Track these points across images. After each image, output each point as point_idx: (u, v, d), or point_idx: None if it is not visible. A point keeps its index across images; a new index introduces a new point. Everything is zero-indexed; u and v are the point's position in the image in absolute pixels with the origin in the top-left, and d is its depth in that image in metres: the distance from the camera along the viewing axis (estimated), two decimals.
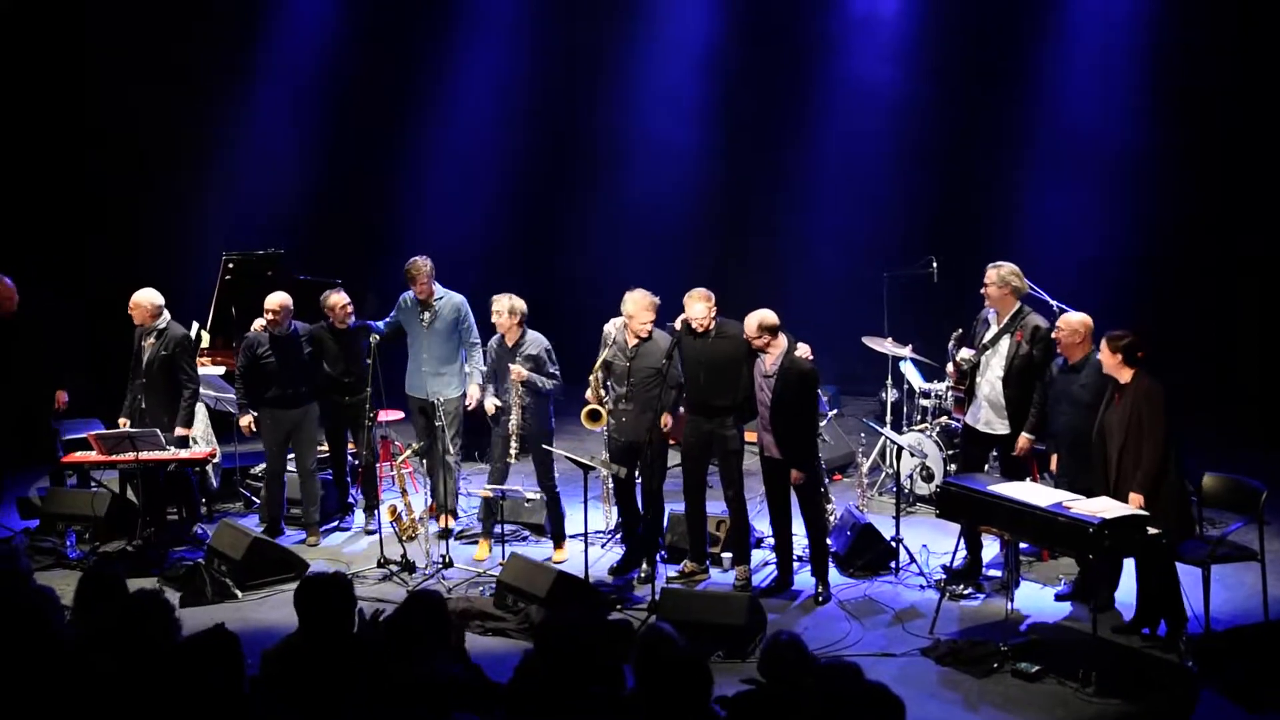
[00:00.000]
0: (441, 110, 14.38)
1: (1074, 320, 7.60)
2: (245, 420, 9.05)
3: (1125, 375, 7.04)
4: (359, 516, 9.56)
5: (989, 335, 8.02)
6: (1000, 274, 7.94)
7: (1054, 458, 7.74)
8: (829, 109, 13.61)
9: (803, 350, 7.85)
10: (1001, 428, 8.01)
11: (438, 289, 9.15)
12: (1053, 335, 7.66)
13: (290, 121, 14.05)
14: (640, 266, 11.13)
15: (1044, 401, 7.78)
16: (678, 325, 8.11)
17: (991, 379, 8.01)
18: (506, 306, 8.55)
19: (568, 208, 14.56)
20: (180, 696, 4.05)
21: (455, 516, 9.27)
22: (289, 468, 9.33)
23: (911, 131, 13.31)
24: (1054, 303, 9.80)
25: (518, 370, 8.43)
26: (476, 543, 8.99)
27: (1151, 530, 6.63)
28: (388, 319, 9.38)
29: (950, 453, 9.51)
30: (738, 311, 8.10)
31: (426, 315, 9.12)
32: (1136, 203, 12.60)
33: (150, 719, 4.03)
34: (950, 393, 8.85)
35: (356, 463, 9.50)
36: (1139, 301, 12.15)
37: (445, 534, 8.82)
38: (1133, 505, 6.76)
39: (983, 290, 8.04)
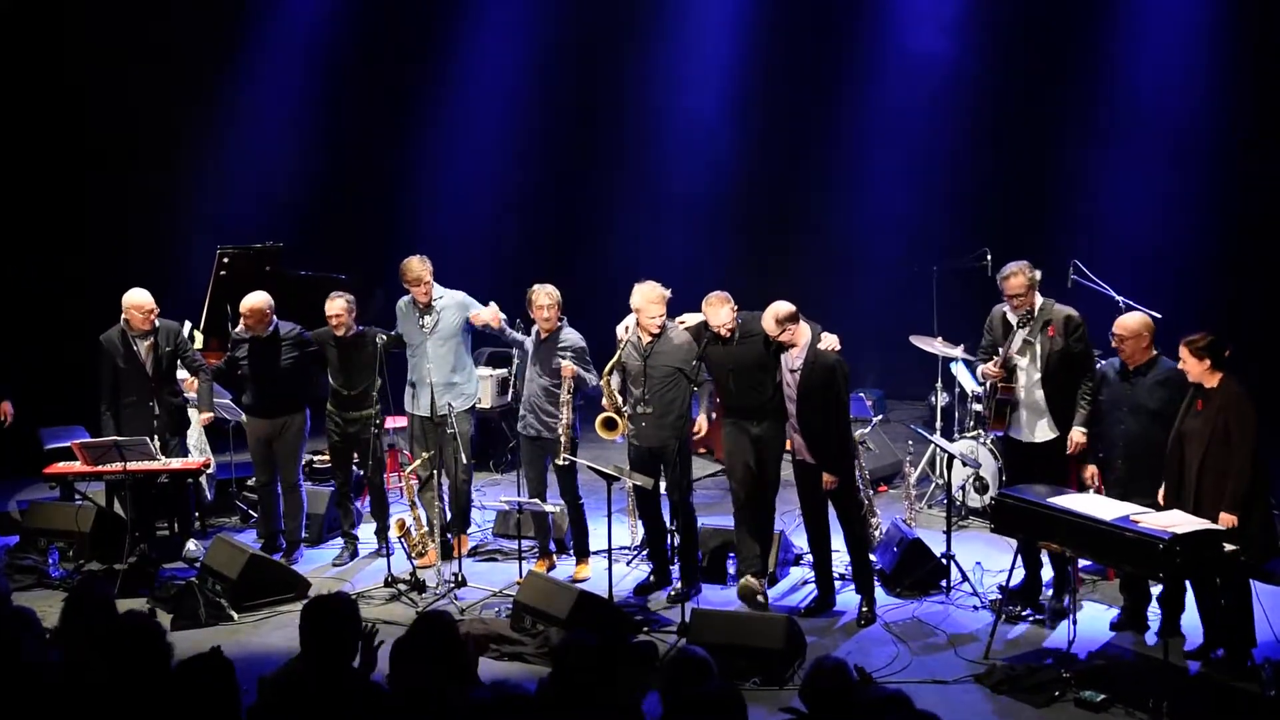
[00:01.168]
0: (455, 95, 14.44)
1: (1134, 323, 7.47)
2: (204, 416, 9.13)
3: (1212, 380, 6.96)
4: (349, 538, 9.40)
5: (1018, 336, 7.83)
6: (1029, 275, 7.76)
7: (1090, 471, 7.68)
8: (874, 90, 13.58)
9: (829, 341, 7.80)
10: (1046, 433, 7.86)
11: (437, 289, 8.92)
12: (1111, 339, 7.56)
13: (293, 105, 14.10)
14: (672, 262, 11.13)
15: (1095, 395, 7.67)
16: (689, 321, 8.13)
17: (1026, 383, 7.87)
18: (556, 299, 8.47)
19: (594, 199, 14.60)
20: None
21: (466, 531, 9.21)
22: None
23: (963, 113, 13.27)
24: (1119, 298, 9.75)
25: (569, 366, 8.39)
26: (494, 560, 9.02)
27: (1228, 546, 6.56)
28: (394, 331, 9.13)
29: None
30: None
31: (428, 320, 8.89)
32: (1207, 191, 12.48)
33: None
34: (986, 403, 8.38)
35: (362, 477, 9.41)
36: (1207, 297, 12.05)
37: (448, 554, 8.74)
38: (1223, 525, 6.70)
39: (1012, 295, 7.80)
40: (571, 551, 8.99)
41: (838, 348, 7.81)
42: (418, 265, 8.81)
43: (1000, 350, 7.91)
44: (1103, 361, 7.89)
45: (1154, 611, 7.63)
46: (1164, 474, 7.12)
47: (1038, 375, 7.81)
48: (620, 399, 8.30)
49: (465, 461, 8.93)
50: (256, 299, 8.95)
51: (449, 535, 8.97)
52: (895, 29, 13.43)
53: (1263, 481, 6.91)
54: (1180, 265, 12.19)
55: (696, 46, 13.95)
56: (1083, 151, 12.94)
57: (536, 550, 9.06)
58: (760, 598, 8.03)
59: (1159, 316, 9.75)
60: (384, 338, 8.92)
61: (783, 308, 7.76)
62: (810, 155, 13.97)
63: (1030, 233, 12.61)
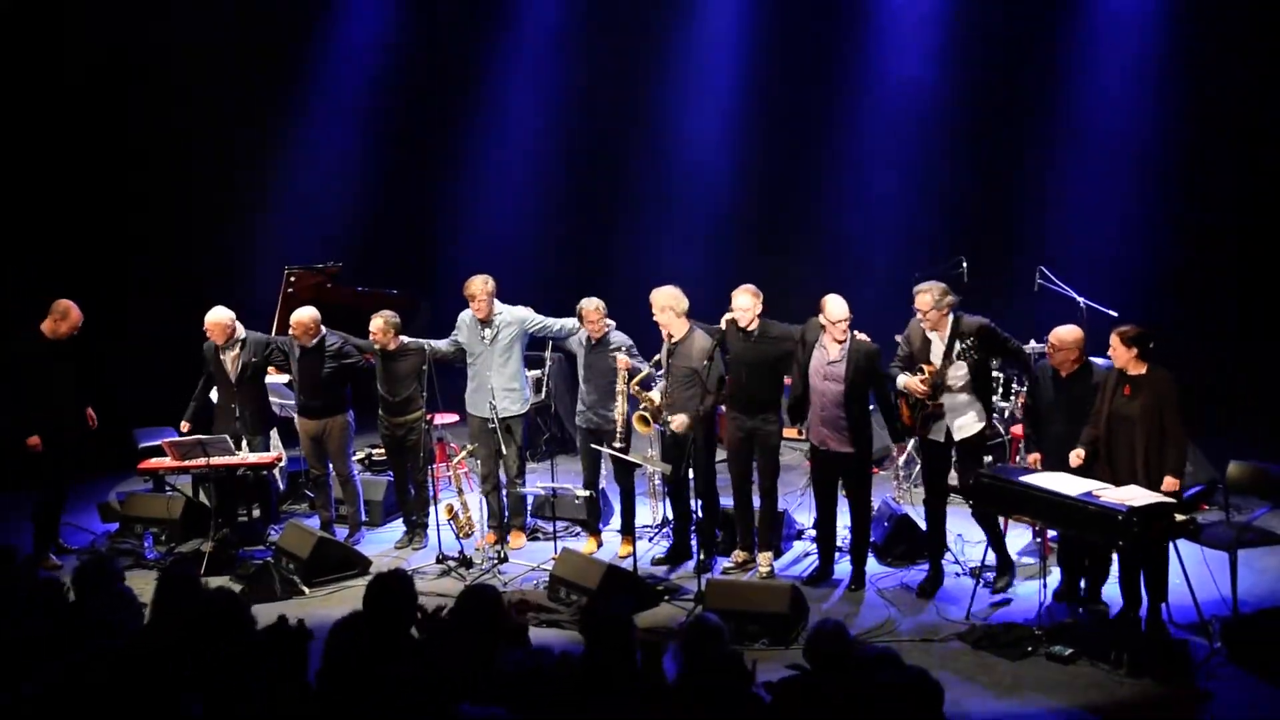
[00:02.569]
0: (492, 121, 14.41)
1: (1069, 336, 7.34)
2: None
3: (1140, 368, 6.99)
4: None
5: (938, 353, 7.65)
6: (935, 298, 7.61)
7: (1034, 457, 7.65)
8: (862, 113, 13.47)
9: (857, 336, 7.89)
10: (974, 426, 7.73)
11: (498, 305, 8.90)
12: (1045, 350, 7.51)
13: (346, 134, 14.14)
14: (678, 271, 11.10)
15: (1032, 379, 7.69)
16: (723, 324, 8.12)
17: (960, 386, 7.68)
18: (603, 309, 8.47)
19: (612, 215, 14.54)
20: (254, 684, 4.11)
21: (529, 535, 9.17)
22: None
23: (938, 128, 13.15)
24: (1080, 299, 9.75)
25: (624, 360, 8.37)
26: (535, 538, 9.09)
27: (1180, 516, 6.58)
28: (449, 338, 9.10)
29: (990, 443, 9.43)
30: (776, 314, 8.13)
31: (488, 333, 8.87)
32: (1168, 201, 12.40)
33: (225, 705, 4.09)
34: (911, 413, 7.96)
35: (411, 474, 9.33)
36: (1167, 299, 12.00)
37: (503, 556, 8.68)
38: (1168, 489, 6.76)
39: (920, 318, 7.68)
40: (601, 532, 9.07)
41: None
42: (478, 284, 8.81)
43: (923, 368, 7.68)
44: (1039, 361, 7.83)
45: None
46: (1093, 448, 7.09)
47: (966, 379, 7.66)
48: (656, 399, 8.26)
49: (518, 461, 8.94)
50: (304, 314, 9.00)
51: (504, 529, 9.00)
52: (881, 56, 13.37)
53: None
54: (1135, 270, 12.12)
55: (702, 76, 13.93)
56: (1046, 168, 12.88)
57: (582, 530, 9.18)
58: (765, 569, 8.15)
59: (1115, 315, 9.77)
60: (432, 347, 8.96)
61: (844, 303, 7.77)
62: (805, 173, 13.90)
63: (1002, 241, 12.60)
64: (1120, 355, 7.01)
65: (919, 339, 7.80)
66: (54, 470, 8.85)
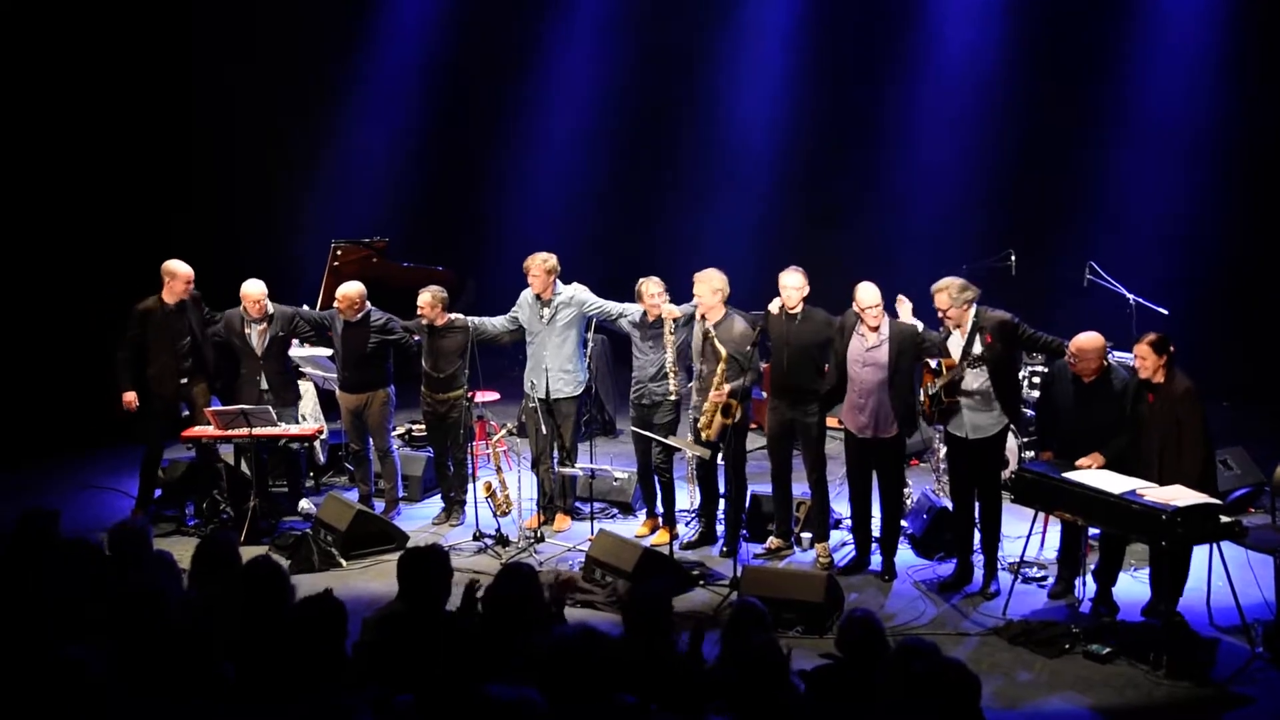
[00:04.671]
0: (543, 99, 14.44)
1: (1089, 345, 7.19)
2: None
3: (1161, 376, 6.92)
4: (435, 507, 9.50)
5: (958, 349, 7.53)
6: (952, 295, 7.46)
7: (1047, 455, 7.56)
8: (904, 94, 13.36)
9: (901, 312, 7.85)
10: (994, 427, 7.59)
11: (558, 285, 8.84)
12: (1066, 358, 7.34)
13: (397, 109, 14.19)
14: (719, 255, 11.06)
15: (1050, 376, 7.58)
16: (774, 309, 8.07)
17: (978, 386, 7.52)
18: (662, 286, 8.41)
19: (656, 197, 14.53)
20: (291, 655, 4.13)
21: (574, 516, 9.14)
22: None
23: (986, 117, 13.01)
24: (1131, 296, 9.64)
25: (671, 309, 8.33)
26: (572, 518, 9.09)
27: (1225, 519, 6.50)
28: (508, 315, 9.04)
29: (1026, 439, 9.36)
30: (822, 302, 8.09)
31: (546, 312, 8.81)
32: (1224, 197, 12.19)
33: (262, 675, 4.12)
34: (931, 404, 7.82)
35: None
36: (1219, 297, 11.84)
37: (540, 536, 8.70)
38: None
39: (941, 315, 7.53)
40: (637, 514, 9.10)
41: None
42: (538, 261, 8.76)
43: (941, 363, 7.56)
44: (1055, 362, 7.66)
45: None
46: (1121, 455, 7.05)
47: (985, 378, 7.48)
48: (726, 387, 8.03)
49: (569, 443, 8.91)
50: (350, 288, 9.03)
51: (552, 507, 9.03)
52: (933, 41, 13.20)
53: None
54: (1188, 267, 11.92)
55: (752, 57, 13.87)
56: (1099, 158, 12.67)
57: (619, 513, 9.27)
58: (823, 559, 8.17)
59: (1165, 313, 9.65)
60: (477, 325, 8.94)
61: (876, 288, 7.70)
62: (854, 162, 13.81)
63: (1052, 233, 12.46)
64: (1150, 364, 6.92)
65: (938, 335, 7.72)
66: (151, 429, 9.09)
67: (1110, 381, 7.21)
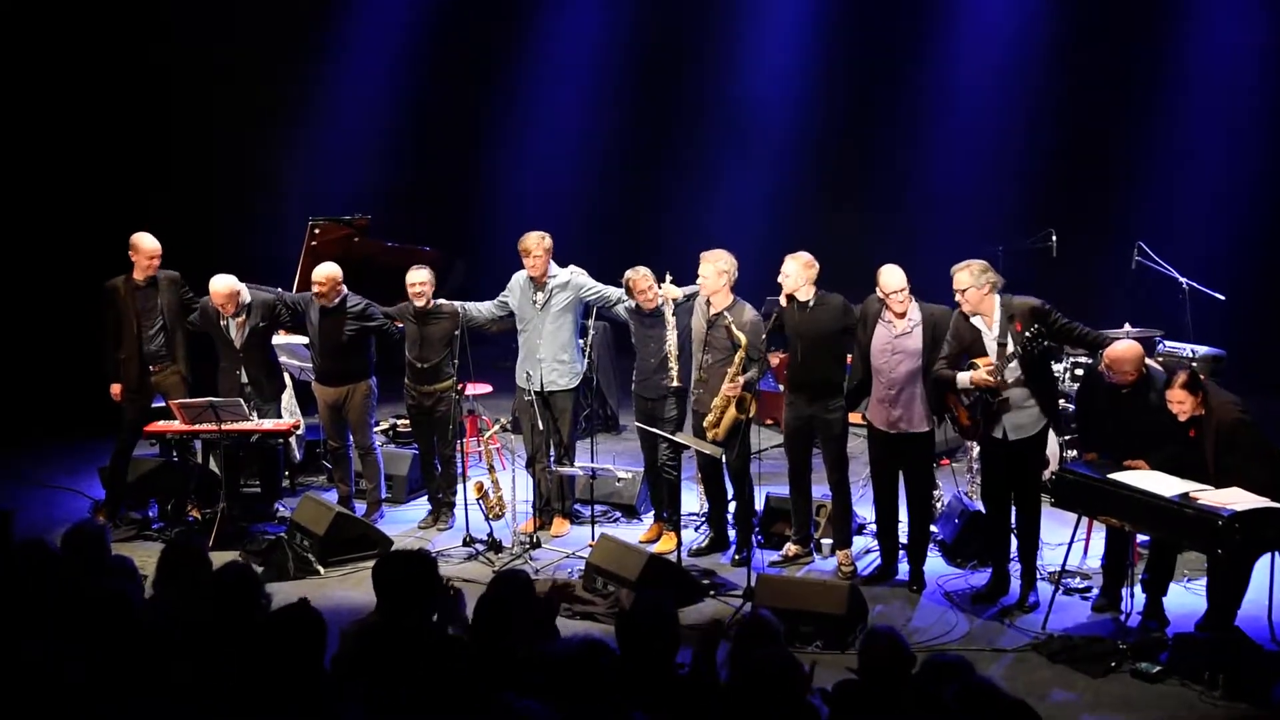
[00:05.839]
0: (534, 74, 14.40)
1: (1125, 354, 7.15)
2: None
3: (1199, 410, 6.92)
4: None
5: (991, 343, 7.43)
6: (973, 275, 7.39)
7: (1090, 456, 7.58)
8: (937, 63, 13.32)
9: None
10: (1033, 426, 7.51)
11: (554, 267, 8.83)
12: (1099, 369, 7.35)
13: (381, 80, 14.16)
14: (737, 235, 11.05)
15: (1086, 377, 7.62)
16: (784, 300, 8.05)
17: (1012, 382, 7.42)
18: (652, 279, 8.38)
19: (664, 175, 14.51)
20: (264, 670, 4.12)
21: (573, 519, 9.15)
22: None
23: (1028, 87, 12.96)
24: (1183, 280, 9.61)
25: (673, 290, 8.34)
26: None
27: None
28: (497, 299, 9.07)
29: (1067, 438, 9.34)
30: (836, 288, 8.05)
31: (540, 296, 8.80)
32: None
33: (233, 691, 4.11)
34: (970, 411, 7.67)
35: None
36: (1272, 275, 11.81)
37: (535, 541, 8.68)
38: None
39: (960, 298, 7.45)
40: (641, 518, 9.13)
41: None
42: (534, 240, 8.73)
43: (976, 363, 7.43)
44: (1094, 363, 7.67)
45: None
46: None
47: (1019, 373, 7.39)
48: (741, 379, 8.03)
49: (566, 440, 8.91)
50: (326, 269, 8.99)
51: (549, 509, 9.04)
52: (967, 3, 13.18)
53: None
54: (1245, 250, 11.89)
55: (768, 24, 13.82)
56: (1150, 129, 12.61)
57: (621, 516, 9.29)
58: (846, 567, 8.15)
59: (1222, 299, 9.61)
60: (467, 311, 8.94)
61: (901, 271, 7.71)
62: (879, 133, 13.78)
63: (1094, 213, 12.42)
64: (1189, 406, 6.91)
65: (968, 332, 7.53)
66: (122, 421, 9.10)
67: (1147, 392, 7.17)
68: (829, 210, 13.83)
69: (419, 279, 8.86)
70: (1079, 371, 9.44)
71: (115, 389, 9.05)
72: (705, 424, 8.12)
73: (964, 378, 7.47)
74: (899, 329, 7.73)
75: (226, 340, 9.03)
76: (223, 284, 8.90)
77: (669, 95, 14.43)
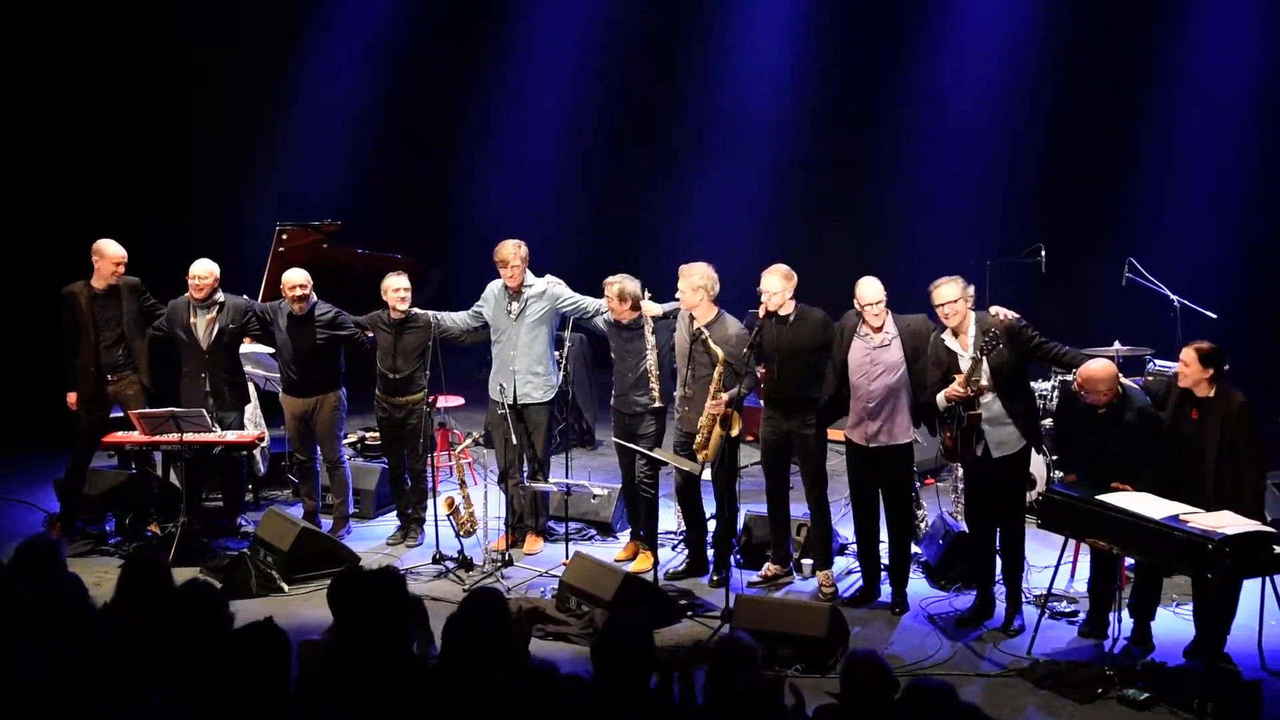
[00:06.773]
0: (512, 80, 14.41)
1: (1098, 373, 7.13)
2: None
3: (1209, 390, 6.94)
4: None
5: (966, 362, 7.40)
6: (960, 288, 7.41)
7: (1070, 477, 7.61)
8: (925, 76, 13.38)
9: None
10: (1014, 445, 7.53)
11: (530, 277, 8.81)
12: (1072, 387, 7.37)
13: (354, 86, 14.15)
14: (721, 249, 11.08)
15: (1063, 397, 7.64)
16: (761, 314, 8.07)
17: (988, 402, 7.46)
18: (624, 291, 8.36)
19: (646, 185, 14.53)
20: (227, 691, 4.11)
21: (546, 537, 9.10)
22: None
23: (1016, 101, 13.04)
24: (1174, 297, 9.67)
25: (651, 306, 8.34)
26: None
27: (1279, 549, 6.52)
28: (471, 309, 9.06)
29: (1054, 458, 9.38)
30: (821, 300, 8.07)
31: (514, 306, 8.78)
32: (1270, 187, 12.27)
33: (195, 711, 4.10)
34: (950, 431, 7.62)
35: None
36: (1272, 300, 11.87)
37: (507, 561, 8.66)
38: None
39: (943, 316, 7.45)
40: (617, 536, 9.11)
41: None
42: (509, 248, 8.71)
43: (956, 378, 7.42)
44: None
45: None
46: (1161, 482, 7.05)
47: (997, 390, 7.42)
48: (724, 396, 8.02)
49: (541, 455, 8.89)
50: (293, 275, 8.96)
51: (521, 526, 9.02)
52: (957, 13, 13.25)
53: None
54: (1237, 267, 11.97)
55: (752, 32, 13.87)
56: (1142, 144, 12.70)
57: (596, 534, 9.27)
58: (827, 588, 8.16)
59: (1213, 317, 9.67)
60: (439, 321, 8.93)
61: (879, 283, 7.76)
62: (865, 146, 13.84)
63: (1084, 228, 12.49)
64: (1193, 374, 6.94)
65: (945, 354, 7.54)
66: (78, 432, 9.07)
67: (1123, 412, 7.17)
68: (814, 222, 13.88)
69: (401, 284, 8.84)
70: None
71: (71, 398, 9.02)
72: (695, 445, 8.10)
73: (940, 397, 7.52)
74: (875, 341, 7.76)
75: (193, 341, 8.97)
76: (203, 265, 8.95)
77: (650, 103, 14.46)
